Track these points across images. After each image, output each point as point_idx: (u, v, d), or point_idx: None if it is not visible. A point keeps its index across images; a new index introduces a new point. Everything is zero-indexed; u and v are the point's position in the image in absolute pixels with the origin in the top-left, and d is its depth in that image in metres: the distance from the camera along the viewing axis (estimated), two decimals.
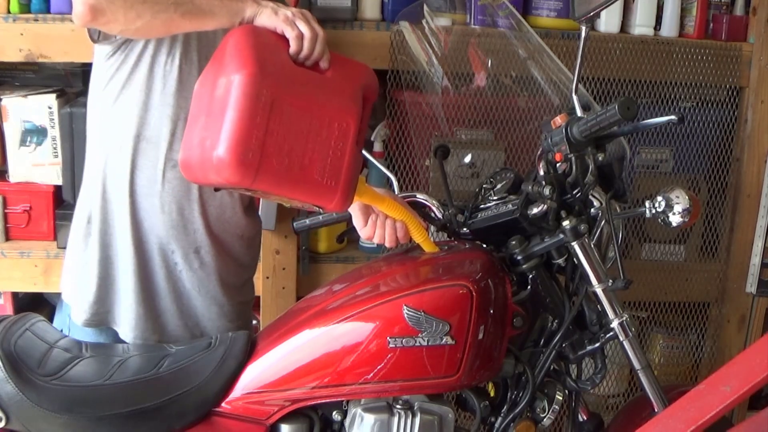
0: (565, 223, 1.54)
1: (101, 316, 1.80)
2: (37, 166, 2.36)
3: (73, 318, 1.82)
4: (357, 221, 1.77)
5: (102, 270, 1.79)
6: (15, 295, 2.47)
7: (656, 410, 1.57)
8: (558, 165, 1.54)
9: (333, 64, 1.51)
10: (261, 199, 2.27)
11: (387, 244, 1.73)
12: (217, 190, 1.66)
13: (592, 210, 1.57)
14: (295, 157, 1.39)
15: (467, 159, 2.27)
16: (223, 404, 1.51)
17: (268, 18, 1.48)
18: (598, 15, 1.98)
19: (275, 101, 1.37)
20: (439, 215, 1.74)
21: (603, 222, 1.57)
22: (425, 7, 2.23)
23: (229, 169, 1.37)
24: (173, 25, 1.54)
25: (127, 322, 1.79)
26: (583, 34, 1.61)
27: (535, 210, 1.56)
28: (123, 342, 1.78)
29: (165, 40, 1.65)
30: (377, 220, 1.73)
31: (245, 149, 1.35)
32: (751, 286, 2.60)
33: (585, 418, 1.72)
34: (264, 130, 1.36)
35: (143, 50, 1.66)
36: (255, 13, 1.50)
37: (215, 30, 1.73)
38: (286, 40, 1.50)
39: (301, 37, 1.46)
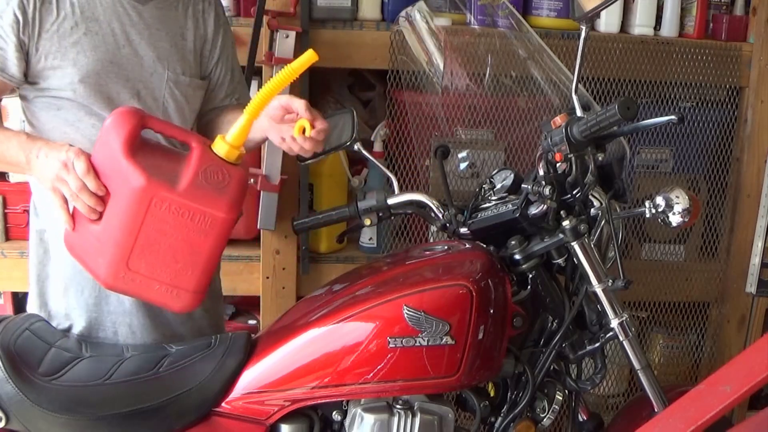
0: (565, 223, 1.54)
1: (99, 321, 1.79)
2: None
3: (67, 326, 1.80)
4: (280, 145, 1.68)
5: None
6: (15, 295, 2.48)
7: (656, 410, 1.57)
8: (558, 165, 1.54)
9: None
10: (260, 199, 2.27)
11: (307, 147, 1.62)
12: None
13: (592, 210, 1.57)
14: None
15: (462, 166, 2.26)
16: (223, 404, 1.51)
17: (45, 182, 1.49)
18: (598, 15, 1.98)
19: None
20: (439, 215, 1.74)
21: (603, 222, 1.57)
22: (425, 7, 2.22)
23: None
24: None
25: (126, 329, 1.78)
26: (583, 34, 1.61)
27: (535, 210, 1.56)
28: None
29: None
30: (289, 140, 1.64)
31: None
32: (751, 286, 2.60)
33: (585, 418, 1.71)
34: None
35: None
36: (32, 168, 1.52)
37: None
38: None
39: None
